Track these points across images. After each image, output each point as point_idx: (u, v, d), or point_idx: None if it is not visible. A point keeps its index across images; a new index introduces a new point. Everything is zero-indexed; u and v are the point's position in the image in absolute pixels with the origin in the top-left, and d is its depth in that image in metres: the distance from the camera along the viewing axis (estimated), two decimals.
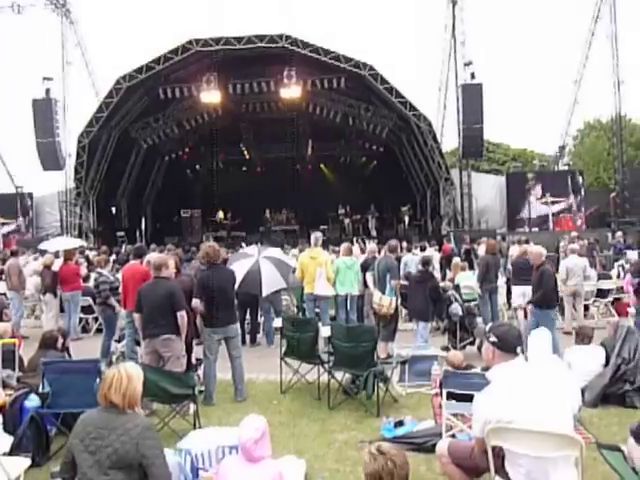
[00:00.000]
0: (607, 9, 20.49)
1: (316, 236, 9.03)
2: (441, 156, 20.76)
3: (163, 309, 5.69)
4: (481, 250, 13.74)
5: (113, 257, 12.38)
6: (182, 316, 5.74)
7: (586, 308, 10.56)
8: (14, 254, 11.07)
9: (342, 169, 27.60)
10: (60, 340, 5.93)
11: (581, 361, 5.90)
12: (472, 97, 19.98)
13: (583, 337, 6.16)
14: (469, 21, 21.49)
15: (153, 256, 10.51)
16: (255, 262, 8.68)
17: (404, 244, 15.16)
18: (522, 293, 9.52)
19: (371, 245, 10.69)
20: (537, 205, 21.51)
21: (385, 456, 2.49)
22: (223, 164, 28.28)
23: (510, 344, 3.18)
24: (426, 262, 8.29)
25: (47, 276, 10.09)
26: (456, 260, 11.80)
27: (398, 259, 11.36)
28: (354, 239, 13.68)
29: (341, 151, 27.37)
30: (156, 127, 23.24)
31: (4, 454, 3.76)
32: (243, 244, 16.79)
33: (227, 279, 6.34)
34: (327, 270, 8.61)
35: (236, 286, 6.75)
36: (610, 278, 11.37)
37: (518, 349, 3.18)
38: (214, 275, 6.20)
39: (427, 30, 53.77)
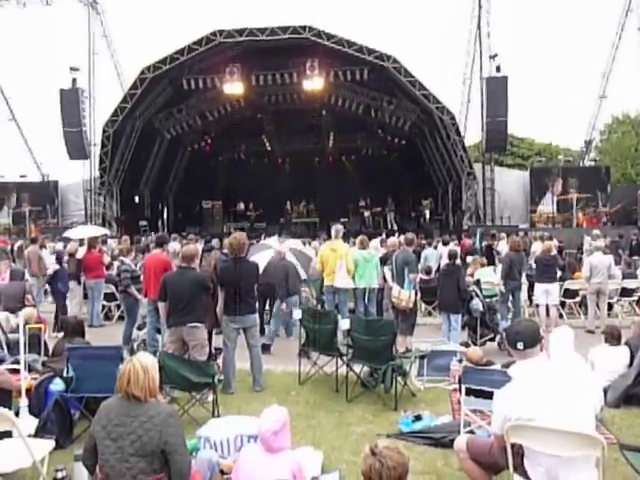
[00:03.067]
0: (638, 1, 19.94)
1: (337, 228, 9.02)
2: (464, 150, 20.52)
3: (191, 298, 5.77)
4: (501, 246, 13.60)
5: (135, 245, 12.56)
6: (209, 304, 5.86)
7: (610, 307, 10.38)
8: (34, 241, 11.29)
9: (363, 161, 27.48)
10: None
11: (605, 361, 5.81)
12: (497, 90, 19.68)
13: (612, 337, 6.05)
14: (495, 12, 21.22)
15: (174, 246, 10.69)
16: (275, 254, 8.70)
17: (422, 239, 15.08)
18: (545, 290, 9.43)
19: (391, 239, 10.63)
20: (561, 201, 21.18)
21: (375, 456, 2.44)
22: (245, 156, 28.39)
23: (533, 339, 3.22)
24: (453, 255, 8.33)
25: (72, 264, 10.27)
26: (475, 255, 11.72)
27: (417, 253, 11.36)
28: (383, 235, 13.67)
29: (363, 143, 27.23)
30: (179, 118, 23.39)
31: (29, 436, 3.84)
32: (263, 236, 16.89)
33: (249, 270, 6.38)
34: (347, 262, 8.61)
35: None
36: (635, 277, 11.15)
37: (519, 345, 3.23)
38: (237, 267, 6.23)
39: (452, 22, 52.95)
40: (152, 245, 9.13)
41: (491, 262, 11.94)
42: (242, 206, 26.23)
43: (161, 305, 5.99)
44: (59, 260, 10.20)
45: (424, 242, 14.36)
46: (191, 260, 5.94)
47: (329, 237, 10.74)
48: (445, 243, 13.16)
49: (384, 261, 9.14)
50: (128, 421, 2.90)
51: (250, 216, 25.62)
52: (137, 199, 24.29)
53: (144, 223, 23.07)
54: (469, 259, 11.78)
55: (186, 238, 13.95)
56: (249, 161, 28.85)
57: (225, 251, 8.77)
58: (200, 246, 12.68)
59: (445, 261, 9.55)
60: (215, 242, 13.10)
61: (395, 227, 23.78)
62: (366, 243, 9.26)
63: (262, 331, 8.50)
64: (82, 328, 5.96)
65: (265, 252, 8.88)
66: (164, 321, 6.11)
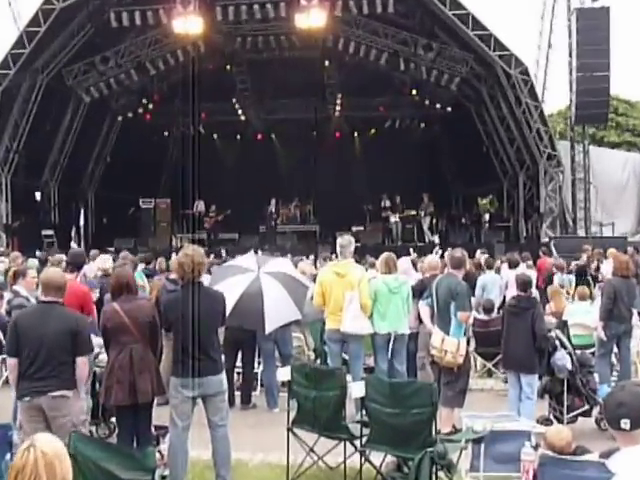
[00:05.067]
0: None
1: (344, 241, 9.02)
2: (542, 121, 20.66)
3: (56, 351, 5.72)
4: (605, 268, 13.60)
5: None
6: (84, 363, 5.85)
7: None
8: None
9: (387, 139, 27.78)
10: None
11: None
12: (594, 29, 19.87)
13: None
14: None
15: (98, 265, 10.58)
16: (254, 281, 8.71)
17: (481, 256, 15.10)
18: None
19: (429, 258, 10.63)
20: None
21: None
22: (206, 129, 28.63)
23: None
24: (526, 283, 8.32)
25: None
26: (557, 285, 11.76)
27: (471, 280, 11.29)
28: (411, 249, 13.69)
29: (386, 112, 27.51)
30: (104, 72, 23.57)
31: None
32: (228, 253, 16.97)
33: (211, 306, 6.37)
34: (361, 294, 8.58)
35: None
36: None
37: (624, 423, 3.21)
38: (192, 301, 6.24)
39: None
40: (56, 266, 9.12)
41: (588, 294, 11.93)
42: (201, 207, 26.35)
43: (10, 363, 5.94)
44: None
45: (481, 262, 14.36)
46: (58, 291, 5.92)
47: (334, 254, 10.74)
48: (513, 265, 13.16)
49: (419, 292, 9.11)
50: None
51: (213, 222, 25.78)
52: (39, 196, 24.40)
53: (49, 233, 23.13)
54: (550, 289, 11.77)
55: (115, 256, 13.98)
56: (212, 138, 29.09)
57: (173, 276, 8.78)
58: (138, 268, 12.75)
59: (513, 292, 9.54)
60: (159, 263, 13.09)
61: (436, 240, 23.85)
62: (392, 264, 9.25)
63: (232, 401, 8.48)
64: None
65: (237, 278, 8.87)
66: (13, 387, 6.07)
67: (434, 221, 25.09)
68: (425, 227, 24.66)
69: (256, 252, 12.67)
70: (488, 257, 14.90)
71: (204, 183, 27.35)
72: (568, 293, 12.07)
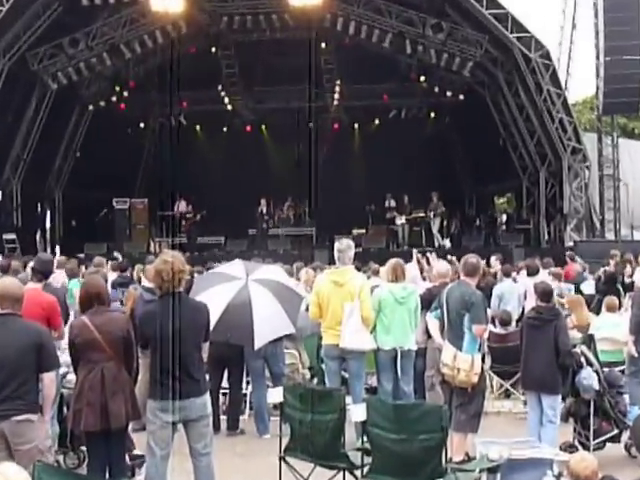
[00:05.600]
0: None
1: (342, 246, 9.01)
2: (566, 111, 20.69)
3: (18, 369, 5.67)
4: (637, 276, 13.60)
5: None
6: (51, 380, 5.83)
7: None
8: None
9: (391, 131, 27.82)
10: None
11: None
12: (623, 8, 19.93)
13: None
14: None
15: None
16: (241, 290, 8.69)
17: (496, 263, 15.09)
18: None
19: (440, 265, 10.63)
20: None
21: None
22: (188, 119, 28.65)
23: None
24: (548, 293, 8.30)
25: None
26: (576, 294, 11.75)
27: (486, 289, 11.27)
28: (414, 252, 13.62)
29: (390, 100, 27.52)
30: (74, 55, 23.53)
31: None
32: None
33: (193, 319, 6.35)
34: (362, 305, 8.58)
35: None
36: None
37: None
38: (172, 314, 6.23)
39: None
40: (23, 274, 9.12)
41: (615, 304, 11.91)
42: (182, 207, 26.37)
43: None
44: None
45: (497, 270, 14.37)
46: (15, 303, 5.88)
47: (332, 261, 10.72)
48: (533, 272, 13.18)
49: (427, 303, 9.11)
50: None
51: (195, 224, 25.78)
52: None
53: (11, 237, 23.07)
54: (570, 299, 11.77)
55: (86, 263, 13.94)
56: (195, 130, 29.10)
57: (149, 285, 8.78)
58: (112, 278, 12.73)
59: (533, 303, 9.53)
60: (136, 270, 13.07)
61: (447, 244, 23.88)
62: (401, 272, 9.27)
63: (217, 426, 8.48)
64: None
65: (222, 287, 8.87)
66: None
67: (445, 223, 25.15)
68: (435, 230, 24.69)
69: (249, 259, 12.68)
70: (504, 263, 14.91)
71: (186, 181, 27.41)
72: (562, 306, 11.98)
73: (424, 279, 11.29)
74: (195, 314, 6.46)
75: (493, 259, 15.46)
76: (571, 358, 8.14)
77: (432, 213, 24.61)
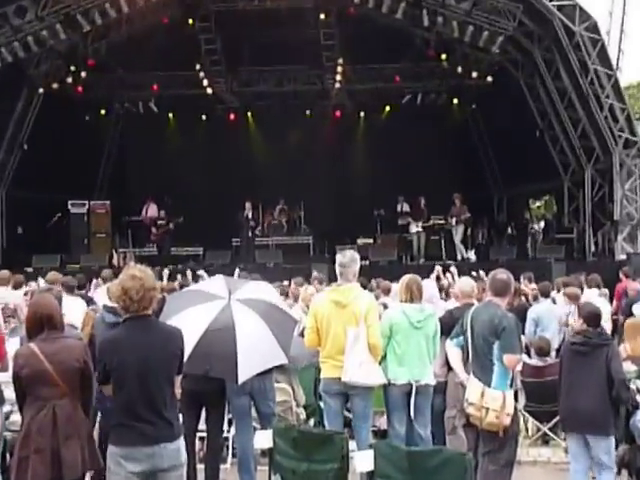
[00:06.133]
0: None
1: (346, 259, 9.00)
2: (618, 96, 20.70)
3: None
4: None
5: None
6: None
7: None
8: None
9: (405, 120, 27.90)
10: None
11: None
12: None
13: None
14: None
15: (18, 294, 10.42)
16: (222, 312, 8.66)
17: (526, 282, 15.07)
18: None
19: (462, 282, 10.62)
20: None
21: None
22: (159, 106, 28.68)
23: None
24: (595, 315, 8.30)
25: None
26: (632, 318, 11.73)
27: (520, 311, 11.22)
28: (437, 267, 13.64)
29: (404, 83, 27.53)
30: (20, 27, 23.51)
31: None
32: (201, 273, 16.92)
33: (164, 347, 6.32)
34: (369, 330, 8.55)
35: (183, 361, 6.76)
36: None
37: None
38: (137, 338, 6.22)
39: None
40: None
41: None
42: (152, 211, 26.40)
43: None
44: None
45: (533, 289, 14.36)
46: None
47: (333, 277, 10.71)
48: (573, 294, 13.13)
49: (448, 328, 9.10)
50: None
51: (162, 233, 25.78)
52: None
53: None
54: (625, 323, 11.75)
55: (37, 279, 13.89)
56: (167, 118, 29.12)
57: (111, 304, 8.75)
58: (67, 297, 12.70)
59: (576, 327, 9.53)
60: (94, 287, 13.07)
61: (472, 256, 23.89)
62: (417, 291, 9.25)
63: (193, 477, 8.42)
64: None
65: (200, 309, 8.85)
66: None
67: (469, 232, 25.17)
68: (457, 240, 24.66)
69: (233, 274, 12.67)
70: (540, 281, 14.88)
71: (156, 180, 27.47)
72: None
73: (444, 299, 11.30)
74: (167, 341, 6.43)
75: (523, 280, 15.36)
76: (627, 391, 8.11)
77: (454, 219, 24.56)
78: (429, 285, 10.88)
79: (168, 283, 14.03)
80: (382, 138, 28.21)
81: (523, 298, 13.88)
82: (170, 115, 29.47)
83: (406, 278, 9.45)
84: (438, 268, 13.81)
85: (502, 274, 8.55)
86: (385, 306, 10.97)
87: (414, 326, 8.99)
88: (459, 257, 23.78)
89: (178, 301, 9.45)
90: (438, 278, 12.95)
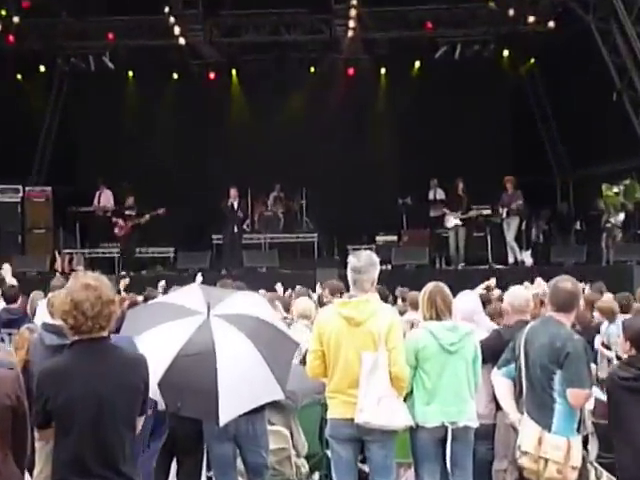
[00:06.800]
0: None
1: (360, 262, 8.99)
2: None
3: None
4: None
5: None
6: None
7: None
8: None
9: (440, 80, 28.02)
10: None
11: None
12: None
13: None
14: None
15: None
16: (199, 333, 8.68)
17: (591, 295, 15.08)
18: None
19: (514, 293, 10.63)
20: None
21: None
22: (115, 61, 28.59)
23: None
24: None
25: None
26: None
27: (588, 331, 11.19)
28: (492, 281, 13.65)
29: (438, 30, 27.45)
30: None
31: None
32: (164, 284, 17.01)
33: (124, 380, 6.31)
34: (392, 357, 8.55)
35: (150, 395, 6.76)
36: None
37: None
38: (89, 368, 6.22)
39: None
40: None
41: None
42: (106, 199, 26.41)
43: None
44: None
45: (605, 302, 14.36)
46: None
47: (345, 286, 10.74)
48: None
49: (495, 353, 9.13)
50: None
51: (130, 228, 25.74)
52: None
53: None
54: None
55: None
56: (126, 77, 29.15)
57: (53, 321, 8.77)
58: None
59: (622, 352, 9.54)
60: (32, 300, 13.11)
61: (527, 259, 23.88)
62: (441, 302, 9.20)
63: None
64: None
65: (170, 327, 8.88)
66: None
67: (524, 226, 25.10)
68: (509, 237, 24.57)
69: (213, 282, 12.68)
70: (622, 295, 14.90)
71: (112, 159, 27.48)
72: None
73: (491, 316, 11.31)
74: (128, 372, 6.42)
75: (589, 290, 15.34)
76: None
77: (505, 210, 24.45)
78: (469, 298, 10.88)
79: (130, 295, 14.10)
80: (409, 103, 28.21)
81: (596, 314, 13.88)
82: (130, 73, 29.41)
83: (428, 288, 9.28)
84: (491, 282, 13.80)
85: (567, 282, 8.52)
86: (413, 325, 10.96)
87: (447, 350, 8.90)
88: (511, 259, 23.77)
89: (141, 318, 9.43)
90: (488, 288, 12.97)
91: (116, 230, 25.50)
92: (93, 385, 6.10)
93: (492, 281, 13.85)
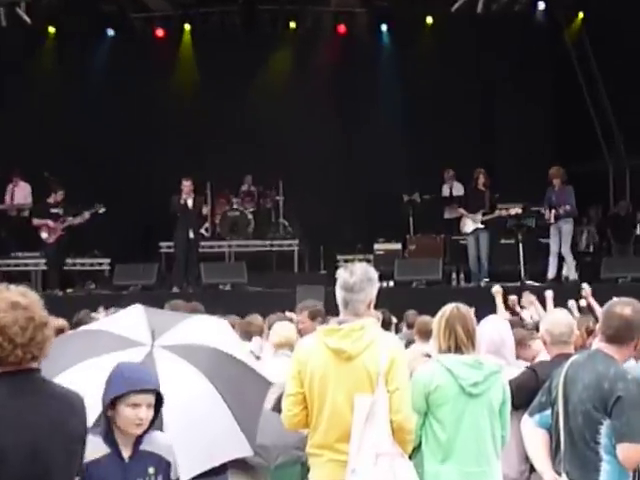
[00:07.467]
0: None
1: (353, 277, 9.00)
2: None
3: None
4: None
5: None
6: None
7: None
8: None
9: (458, 42, 28.26)
10: None
11: None
12: None
13: None
14: None
15: None
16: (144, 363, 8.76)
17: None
18: None
19: (553, 318, 10.70)
20: None
21: None
22: (34, 15, 28.65)
23: None
24: None
25: None
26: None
27: None
28: (528, 295, 13.65)
29: None
30: None
31: None
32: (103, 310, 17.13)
33: (60, 425, 6.36)
34: (393, 402, 8.58)
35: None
36: None
37: None
38: (17, 409, 6.25)
39: None
40: None
41: None
42: (23, 194, 26.53)
43: None
44: None
45: None
46: None
47: (332, 308, 10.83)
48: None
49: (527, 396, 9.19)
50: None
51: (64, 229, 25.80)
52: None
53: None
54: None
55: None
56: (46, 34, 29.27)
57: None
58: None
59: None
60: None
61: (571, 274, 23.94)
62: (462, 331, 9.25)
63: None
64: None
65: (105, 361, 8.95)
66: None
67: (570, 234, 25.06)
68: (564, 247, 24.41)
69: (160, 304, 12.75)
70: None
71: (29, 141, 27.50)
72: None
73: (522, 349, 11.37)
74: (66, 416, 6.47)
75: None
76: None
77: (552, 213, 24.48)
78: (495, 325, 10.94)
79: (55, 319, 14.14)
80: (418, 72, 28.41)
81: None
82: (51, 29, 29.47)
83: (446, 311, 9.21)
84: (532, 298, 13.78)
85: (625, 307, 8.39)
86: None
87: (467, 393, 8.89)
88: (550, 275, 23.81)
89: (67, 349, 9.49)
90: (512, 311, 13.03)
91: (44, 235, 25.46)
92: (23, 432, 6.04)
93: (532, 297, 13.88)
